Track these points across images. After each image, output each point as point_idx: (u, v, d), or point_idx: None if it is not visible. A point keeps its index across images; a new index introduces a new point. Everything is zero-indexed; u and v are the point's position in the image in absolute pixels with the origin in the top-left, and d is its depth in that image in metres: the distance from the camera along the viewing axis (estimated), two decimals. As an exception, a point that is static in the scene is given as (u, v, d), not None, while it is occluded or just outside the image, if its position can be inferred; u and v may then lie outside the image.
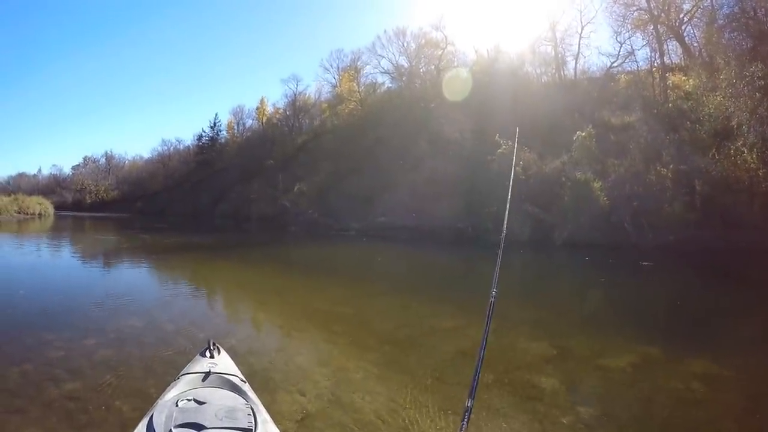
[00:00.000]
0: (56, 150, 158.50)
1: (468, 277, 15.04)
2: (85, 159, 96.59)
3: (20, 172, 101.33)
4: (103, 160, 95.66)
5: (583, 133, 21.87)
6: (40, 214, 50.15)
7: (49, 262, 18.23)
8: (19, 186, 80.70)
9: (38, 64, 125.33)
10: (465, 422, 2.13)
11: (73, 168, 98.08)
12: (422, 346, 7.19)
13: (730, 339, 6.77)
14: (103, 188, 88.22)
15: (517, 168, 23.16)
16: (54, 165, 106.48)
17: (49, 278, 13.66)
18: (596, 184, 19.04)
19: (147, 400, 4.07)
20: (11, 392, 5.26)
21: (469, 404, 2.19)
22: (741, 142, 13.68)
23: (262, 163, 53.98)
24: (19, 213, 47.01)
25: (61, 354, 6.63)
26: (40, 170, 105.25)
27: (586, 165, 20.46)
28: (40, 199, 56.16)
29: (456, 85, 37.01)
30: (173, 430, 2.62)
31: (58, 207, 64.86)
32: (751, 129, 13.33)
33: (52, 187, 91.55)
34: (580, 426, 4.78)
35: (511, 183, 3.93)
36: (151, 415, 2.80)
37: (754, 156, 13.18)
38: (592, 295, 11.47)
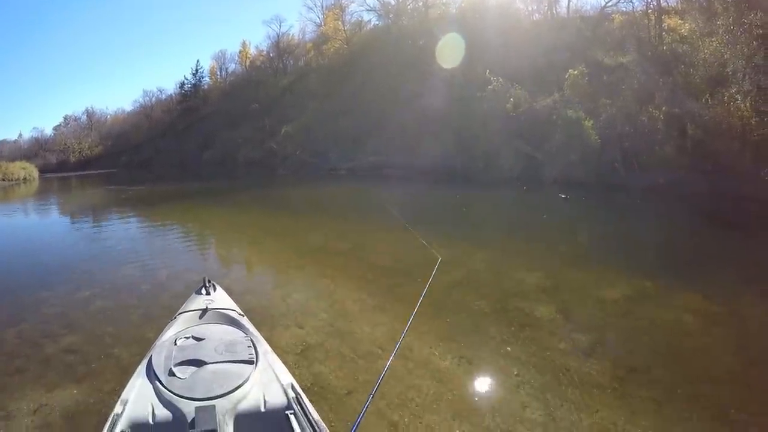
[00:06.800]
0: (36, 112, 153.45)
1: (459, 211, 14.99)
2: (65, 118, 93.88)
3: (1, 139, 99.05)
4: (85, 117, 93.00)
5: (575, 71, 21.50)
6: (24, 179, 49.30)
7: (39, 223, 18.12)
8: (1, 153, 79.35)
9: (9, 26, 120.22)
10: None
11: (55, 128, 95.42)
12: (419, 277, 7.16)
13: (720, 278, 6.78)
14: (86, 146, 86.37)
15: (508, 105, 22.91)
16: (35, 128, 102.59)
17: (40, 238, 13.56)
18: (587, 123, 18.80)
19: (146, 345, 4.05)
20: (9, 353, 5.23)
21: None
22: (735, 89, 13.39)
23: (248, 107, 52.68)
24: (3, 180, 46.23)
25: (56, 310, 6.62)
26: (20, 135, 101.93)
27: (578, 103, 20.17)
28: (24, 163, 54.99)
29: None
30: (173, 368, 2.61)
31: (43, 170, 63.61)
32: (747, 77, 13.04)
33: (34, 150, 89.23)
34: (577, 353, 4.84)
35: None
36: (150, 357, 2.78)
37: (748, 104, 12.95)
38: (582, 231, 11.45)
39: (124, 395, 2.46)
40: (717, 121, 13.75)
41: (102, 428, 2.21)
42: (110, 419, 2.26)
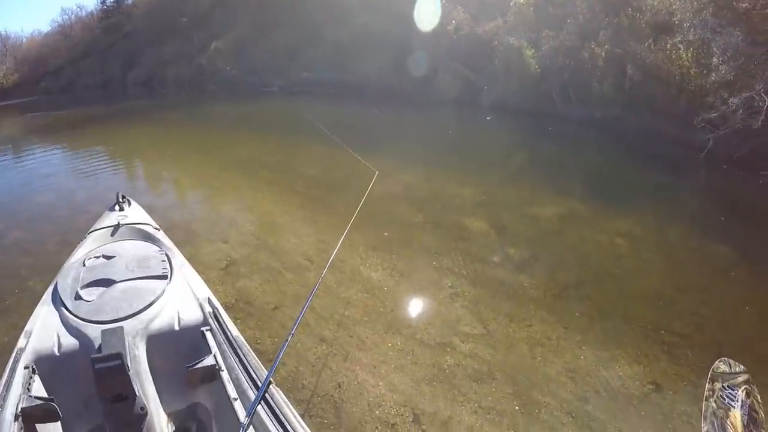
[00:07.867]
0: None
1: (391, 128, 14.83)
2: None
3: None
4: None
5: (522, 0, 21.12)
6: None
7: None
8: None
9: None
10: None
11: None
12: (349, 189, 7.06)
13: (648, 209, 6.84)
14: (2, 74, 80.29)
15: (449, 27, 22.36)
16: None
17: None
18: (529, 52, 18.63)
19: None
20: None
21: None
22: (680, 38, 13.47)
23: (175, 21, 48.88)
24: None
25: (-34, 248, 6.12)
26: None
27: (521, 32, 19.90)
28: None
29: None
30: (80, 291, 2.43)
31: (-46, 104, 58.84)
32: (693, 29, 13.12)
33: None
34: (510, 266, 4.89)
35: None
36: (56, 282, 2.59)
37: (690, 55, 13.10)
38: (517, 153, 11.44)
39: (28, 326, 2.27)
40: (657, 66, 13.95)
41: (5, 366, 2.03)
42: (13, 354, 2.08)
